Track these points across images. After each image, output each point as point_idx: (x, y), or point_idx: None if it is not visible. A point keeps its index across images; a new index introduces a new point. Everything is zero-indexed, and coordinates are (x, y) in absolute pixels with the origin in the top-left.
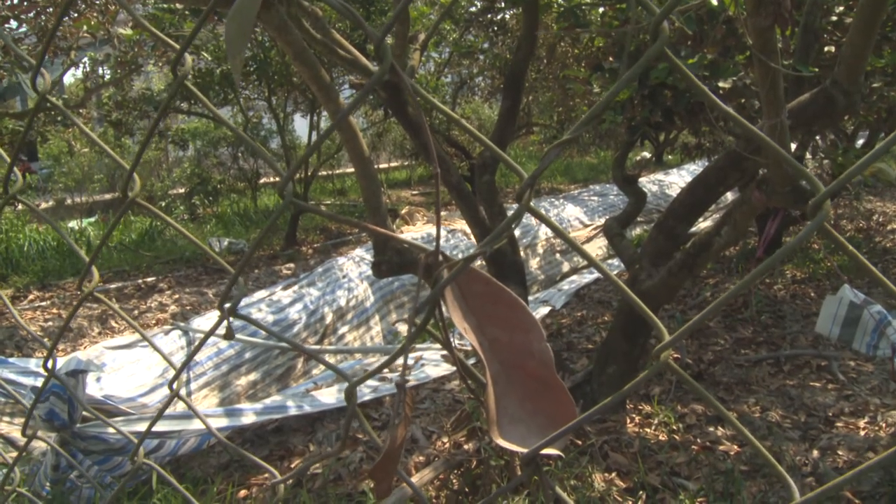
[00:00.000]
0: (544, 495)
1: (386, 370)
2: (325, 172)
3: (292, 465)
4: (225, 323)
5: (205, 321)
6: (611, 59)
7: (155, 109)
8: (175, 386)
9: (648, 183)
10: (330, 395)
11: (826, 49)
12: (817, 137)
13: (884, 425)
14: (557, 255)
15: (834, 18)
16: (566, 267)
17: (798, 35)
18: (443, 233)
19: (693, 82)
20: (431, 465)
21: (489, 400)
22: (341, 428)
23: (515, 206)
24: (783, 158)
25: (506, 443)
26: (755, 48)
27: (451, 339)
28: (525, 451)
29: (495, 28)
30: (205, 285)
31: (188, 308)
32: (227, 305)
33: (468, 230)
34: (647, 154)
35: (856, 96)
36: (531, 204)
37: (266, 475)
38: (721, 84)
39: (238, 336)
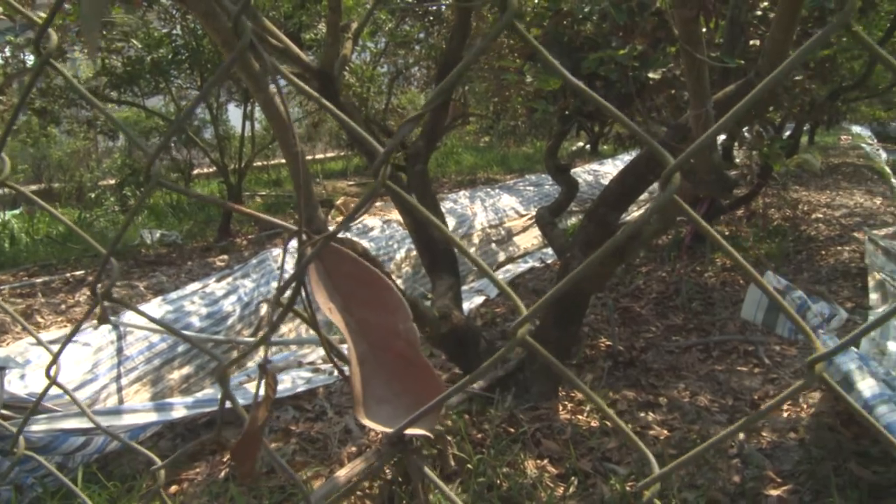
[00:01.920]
0: (413, 476)
1: (319, 361)
2: (260, 163)
3: (224, 459)
4: (98, 308)
5: (136, 315)
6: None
7: (82, 97)
8: (52, 372)
9: (583, 173)
10: (262, 388)
11: (751, 42)
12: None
13: (805, 406)
14: (493, 245)
15: (759, 13)
16: (502, 256)
17: (725, 28)
18: (377, 223)
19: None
20: (363, 456)
21: (354, 380)
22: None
23: (454, 195)
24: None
25: (371, 423)
26: (681, 39)
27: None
28: (390, 430)
29: (431, 18)
30: (136, 278)
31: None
32: (101, 290)
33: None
34: (581, 144)
35: (778, 88)
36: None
37: (198, 469)
38: (651, 75)
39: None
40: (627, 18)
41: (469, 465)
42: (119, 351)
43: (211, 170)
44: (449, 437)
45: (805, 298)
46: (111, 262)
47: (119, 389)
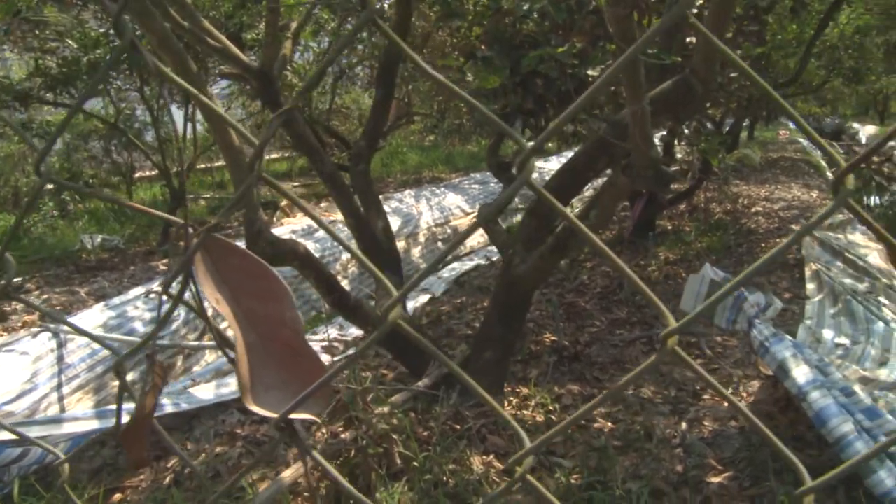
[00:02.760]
0: (301, 460)
1: None
2: (203, 165)
3: (169, 465)
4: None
5: (77, 321)
6: (483, 47)
7: (15, 99)
8: None
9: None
10: (208, 391)
11: (688, 40)
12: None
13: (745, 395)
14: (439, 244)
15: (695, 11)
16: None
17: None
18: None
19: None
20: (308, 456)
21: (240, 368)
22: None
23: (399, 194)
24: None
25: (258, 408)
26: (616, 37)
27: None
28: (276, 416)
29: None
30: (77, 284)
31: (59, 308)
32: None
33: None
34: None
35: (712, 84)
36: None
37: (142, 475)
38: (590, 72)
39: (110, 335)
40: (566, 16)
41: (415, 463)
42: (60, 359)
43: (153, 172)
44: (395, 436)
45: (742, 290)
46: (7, 260)
47: (60, 398)
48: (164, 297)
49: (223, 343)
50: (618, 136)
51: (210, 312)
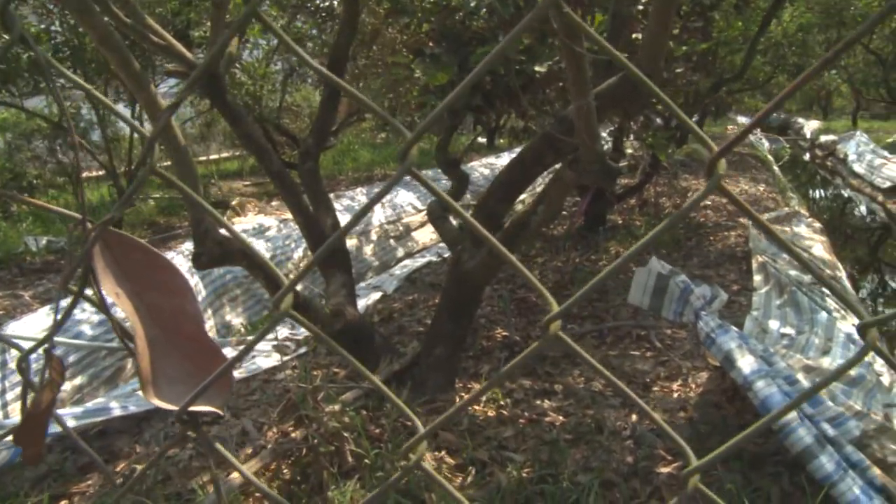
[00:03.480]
0: (208, 455)
1: None
2: None
3: (118, 469)
4: None
5: (21, 325)
6: (431, 44)
7: None
8: None
9: (480, 167)
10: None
11: (634, 35)
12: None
13: (694, 386)
14: (391, 241)
15: (641, 7)
16: (401, 252)
17: (607, 21)
18: (274, 223)
19: None
20: (258, 456)
21: (141, 362)
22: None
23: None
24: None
25: (159, 402)
26: (560, 32)
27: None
28: (176, 408)
29: (323, 14)
30: (21, 287)
31: (1, 312)
32: None
33: None
34: (468, 138)
35: (657, 80)
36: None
37: (89, 481)
38: (538, 68)
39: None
40: (514, 12)
41: (367, 461)
42: (3, 364)
43: (101, 173)
44: (346, 434)
45: (688, 282)
46: None
47: (4, 405)
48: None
49: (125, 337)
50: (564, 132)
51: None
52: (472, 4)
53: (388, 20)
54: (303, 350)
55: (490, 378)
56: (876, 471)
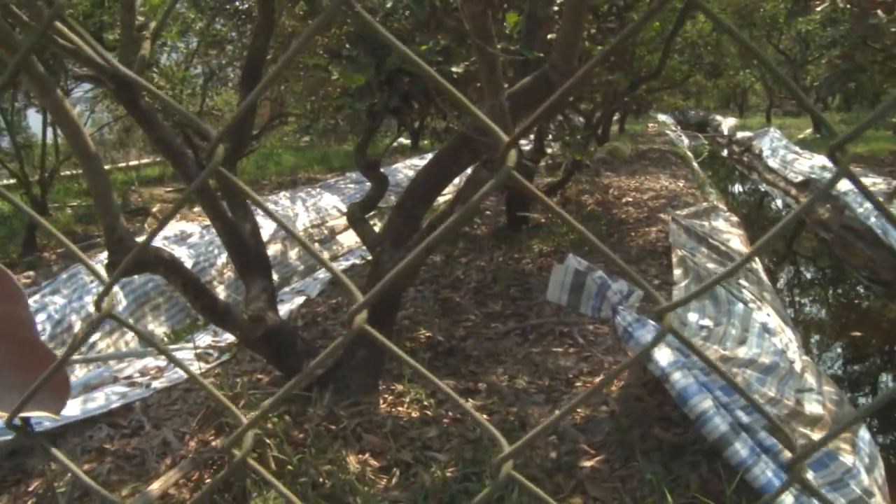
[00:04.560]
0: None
1: (136, 375)
2: (68, 172)
3: (30, 488)
4: None
5: None
6: (348, 46)
7: None
8: None
9: (404, 168)
10: (74, 407)
11: (549, 36)
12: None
13: (616, 380)
14: (317, 245)
15: (556, 8)
16: (326, 255)
17: (523, 21)
18: (197, 229)
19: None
20: (178, 466)
21: None
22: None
23: (275, 196)
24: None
25: None
26: (472, 33)
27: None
28: (6, 415)
29: (242, 17)
30: None
31: None
32: None
33: None
34: (403, 140)
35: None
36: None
37: (2, 500)
38: (454, 69)
39: None
40: (430, 13)
41: (290, 467)
42: None
43: (11, 181)
44: (268, 440)
45: (605, 278)
46: None
47: None
48: None
49: None
50: (480, 132)
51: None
52: (389, 5)
53: (305, 21)
54: (226, 357)
55: (413, 379)
56: (787, 454)
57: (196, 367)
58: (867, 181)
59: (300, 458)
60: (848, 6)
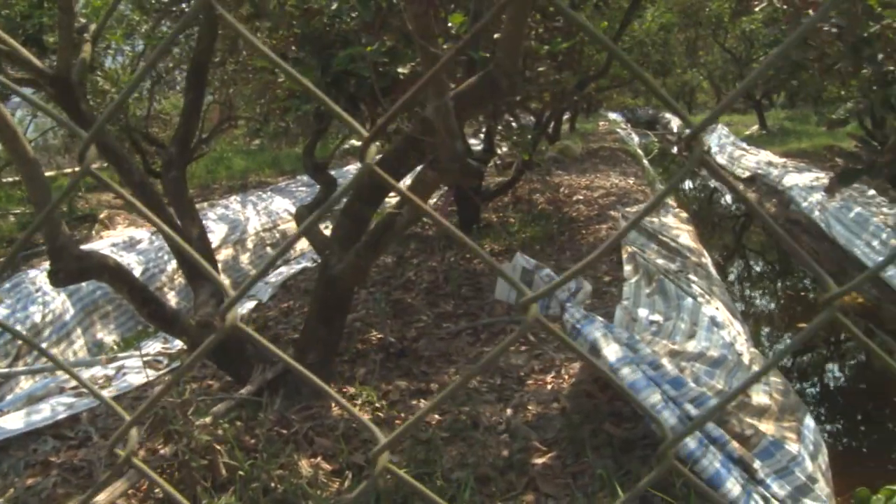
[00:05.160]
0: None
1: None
2: (10, 178)
3: None
4: None
5: None
6: (294, 48)
7: None
8: None
9: (356, 170)
10: (17, 420)
11: (496, 36)
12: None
13: (567, 377)
14: (268, 249)
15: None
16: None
17: (468, 22)
18: (146, 235)
19: None
20: (125, 477)
21: None
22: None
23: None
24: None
25: None
26: (415, 34)
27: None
28: None
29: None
30: None
31: None
32: None
33: None
34: (355, 142)
35: (516, 78)
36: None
37: None
38: (401, 70)
39: None
40: (376, 15)
41: (241, 472)
42: None
43: None
44: (218, 447)
45: (553, 276)
46: None
47: None
48: None
49: None
50: (426, 132)
51: None
52: (334, 7)
53: (246, 23)
54: (176, 364)
55: (365, 381)
56: (734, 444)
57: (143, 376)
58: (809, 176)
59: (252, 463)
60: (785, 6)
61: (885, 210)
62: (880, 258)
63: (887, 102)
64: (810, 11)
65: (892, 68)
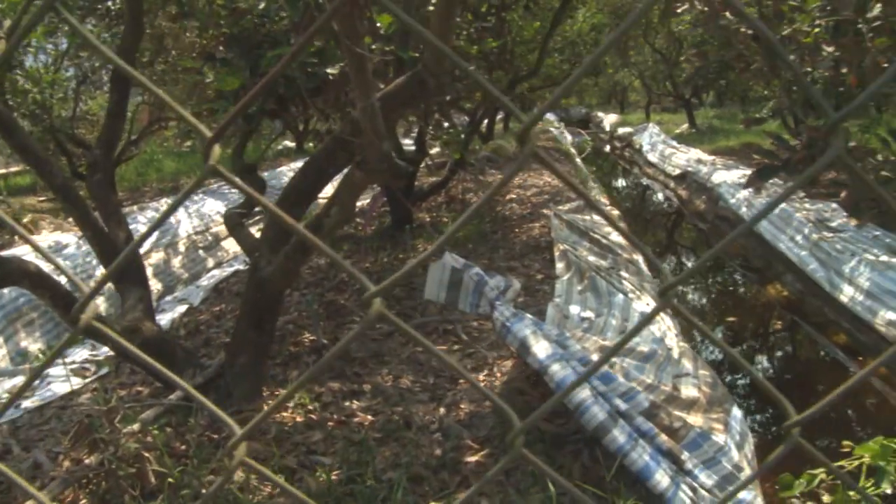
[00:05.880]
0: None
1: (5, 394)
2: None
3: None
4: None
5: None
6: (222, 48)
7: None
8: None
9: (290, 171)
10: None
11: None
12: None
13: (499, 375)
14: (201, 252)
15: (431, 8)
16: (211, 262)
17: (398, 22)
18: (73, 239)
19: None
20: (47, 489)
21: None
22: None
23: (156, 204)
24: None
25: None
26: (340, 33)
27: None
28: None
29: (114, 17)
30: None
31: None
32: None
33: None
34: (289, 143)
35: (444, 78)
36: None
37: None
38: (329, 70)
39: None
40: (304, 14)
41: (171, 479)
42: None
43: None
44: (147, 454)
45: (482, 274)
46: None
47: None
48: None
49: None
50: (354, 132)
51: None
52: (262, 6)
53: (172, 23)
54: (104, 371)
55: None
56: (663, 437)
57: (68, 385)
58: (737, 173)
59: (182, 469)
60: (705, 8)
61: (807, 206)
62: (803, 252)
63: (807, 102)
64: (727, 14)
65: (808, 69)
